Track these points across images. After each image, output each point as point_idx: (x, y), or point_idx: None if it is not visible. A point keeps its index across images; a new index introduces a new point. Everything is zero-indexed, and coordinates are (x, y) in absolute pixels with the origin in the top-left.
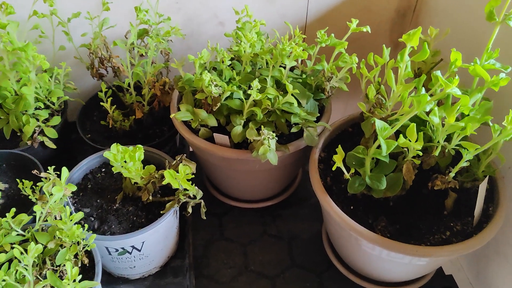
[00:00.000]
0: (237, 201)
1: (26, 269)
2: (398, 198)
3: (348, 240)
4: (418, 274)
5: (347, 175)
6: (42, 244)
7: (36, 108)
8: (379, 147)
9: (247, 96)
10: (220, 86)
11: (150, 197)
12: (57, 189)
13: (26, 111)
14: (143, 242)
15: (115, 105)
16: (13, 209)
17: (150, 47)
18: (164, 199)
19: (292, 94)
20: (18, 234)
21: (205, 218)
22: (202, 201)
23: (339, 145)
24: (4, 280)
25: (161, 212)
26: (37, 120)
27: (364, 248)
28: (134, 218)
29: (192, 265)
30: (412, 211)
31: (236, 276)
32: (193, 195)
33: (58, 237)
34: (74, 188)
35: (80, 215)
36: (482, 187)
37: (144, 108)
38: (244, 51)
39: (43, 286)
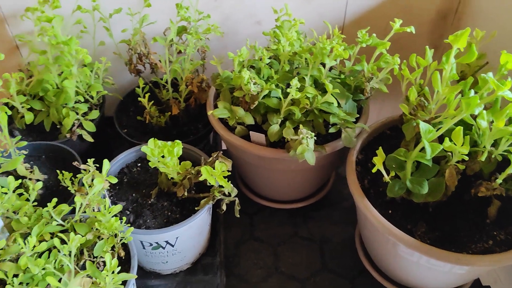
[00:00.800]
0: (269, 201)
1: (66, 259)
2: (439, 204)
3: (384, 245)
4: (456, 284)
5: (386, 178)
6: (81, 235)
7: (76, 102)
8: (421, 150)
9: (285, 95)
10: (258, 84)
11: (186, 193)
12: (98, 180)
13: (66, 104)
14: (177, 238)
15: (152, 101)
16: (55, 199)
17: (189, 44)
18: (199, 195)
19: (331, 94)
20: (58, 224)
21: (238, 216)
22: (236, 199)
23: (380, 147)
24: (44, 269)
25: (196, 208)
26: (77, 113)
27: (401, 254)
28: (169, 213)
29: (223, 263)
30: (453, 218)
31: (266, 277)
32: (228, 192)
33: (97, 229)
34: (115, 180)
35: (118, 207)
36: None
37: (180, 104)
38: (283, 50)
39: (82, 276)
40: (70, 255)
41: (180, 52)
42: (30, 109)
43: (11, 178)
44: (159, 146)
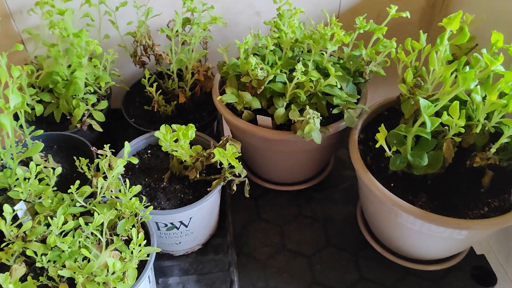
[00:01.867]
0: (273, 183)
1: (97, 233)
2: (436, 177)
3: (387, 217)
4: (454, 251)
5: (388, 153)
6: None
7: (85, 93)
8: (421, 125)
9: (289, 80)
10: (265, 70)
11: (198, 175)
12: (120, 161)
13: (76, 95)
14: (190, 218)
15: (160, 90)
16: (78, 181)
17: (194, 34)
18: (210, 177)
19: (334, 77)
20: (80, 206)
21: (248, 196)
22: (246, 179)
23: (382, 124)
24: (69, 247)
25: (208, 189)
26: (86, 104)
27: (404, 223)
28: (182, 195)
29: (233, 243)
30: (450, 189)
31: (273, 254)
32: (238, 173)
33: (118, 209)
34: (136, 161)
35: (138, 187)
36: None
37: (186, 93)
38: (286, 37)
39: (112, 249)
40: (105, 226)
41: (183, 43)
42: (39, 101)
43: (32, 164)
44: (170, 131)
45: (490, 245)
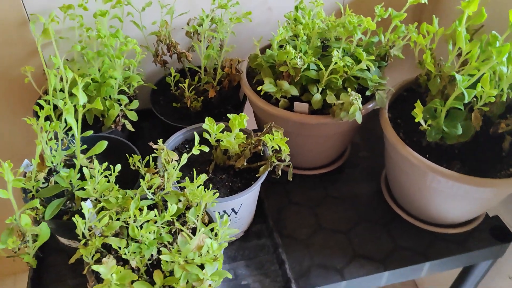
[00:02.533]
0: (298, 169)
1: (163, 228)
2: (462, 146)
3: (422, 185)
4: (479, 212)
5: (424, 126)
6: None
7: (118, 93)
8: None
9: (322, 67)
10: (302, 59)
11: (245, 163)
12: (194, 149)
13: (108, 96)
14: (241, 205)
15: (193, 86)
16: (148, 175)
17: (218, 30)
18: (256, 164)
19: (366, 61)
20: (150, 198)
21: (291, 179)
22: (290, 163)
23: (418, 101)
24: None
25: (257, 175)
26: (120, 104)
27: (440, 189)
28: (230, 184)
29: (274, 226)
30: (476, 156)
31: (313, 233)
32: (284, 158)
33: (186, 198)
34: (207, 149)
35: (204, 177)
36: None
37: (215, 87)
38: (312, 28)
39: (203, 233)
40: (201, 211)
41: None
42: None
43: (96, 162)
44: (214, 123)
45: (499, 209)
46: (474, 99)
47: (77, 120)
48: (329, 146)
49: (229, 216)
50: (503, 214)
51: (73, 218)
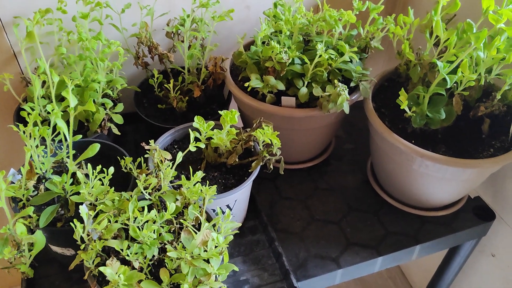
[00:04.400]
0: (286, 164)
1: (163, 226)
2: (444, 130)
3: (409, 171)
4: (463, 194)
5: (409, 113)
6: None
7: (101, 97)
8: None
9: (306, 61)
10: (287, 53)
11: (237, 159)
12: (178, 155)
13: (92, 100)
14: (235, 201)
15: (178, 87)
16: (143, 174)
17: (200, 29)
18: (247, 159)
19: (350, 54)
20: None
21: (283, 173)
22: (282, 157)
23: (402, 89)
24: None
25: (249, 170)
26: (104, 108)
27: (428, 173)
28: (223, 181)
29: (268, 222)
30: (458, 139)
31: (306, 226)
32: (275, 152)
33: (183, 197)
34: (194, 149)
35: (200, 173)
36: None
37: (200, 87)
38: (294, 23)
39: (206, 228)
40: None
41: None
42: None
43: (90, 166)
44: (204, 121)
45: (477, 191)
46: (454, 84)
47: (68, 124)
48: (315, 139)
49: (223, 213)
50: (483, 195)
51: (71, 223)
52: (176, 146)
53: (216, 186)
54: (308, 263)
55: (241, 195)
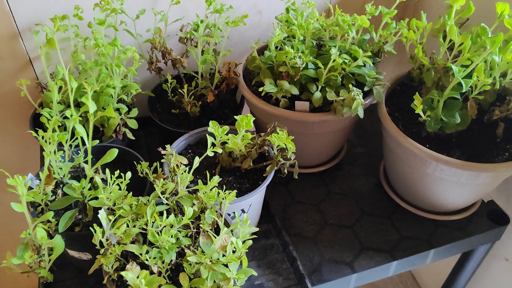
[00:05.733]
0: (299, 168)
1: (180, 232)
2: (458, 135)
3: (424, 175)
4: (477, 198)
5: (423, 117)
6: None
7: (116, 102)
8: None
9: (320, 66)
10: (302, 58)
11: (251, 164)
12: (209, 151)
13: (106, 106)
14: (250, 205)
15: (191, 92)
16: (162, 181)
17: (214, 35)
18: (262, 164)
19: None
20: (165, 204)
21: (297, 177)
22: (296, 161)
23: (416, 93)
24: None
25: (264, 175)
26: (120, 113)
27: (443, 177)
28: (238, 186)
29: (282, 226)
30: (473, 143)
31: (319, 230)
32: (289, 157)
33: (200, 201)
34: (212, 154)
35: (217, 178)
36: None
37: (214, 92)
38: (307, 28)
39: (225, 232)
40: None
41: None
42: (65, 117)
43: (108, 171)
44: (219, 126)
45: (490, 195)
46: (469, 88)
47: (86, 129)
48: (328, 143)
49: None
50: (496, 199)
51: (90, 228)
52: (190, 151)
53: (235, 191)
54: (322, 268)
55: (255, 200)
